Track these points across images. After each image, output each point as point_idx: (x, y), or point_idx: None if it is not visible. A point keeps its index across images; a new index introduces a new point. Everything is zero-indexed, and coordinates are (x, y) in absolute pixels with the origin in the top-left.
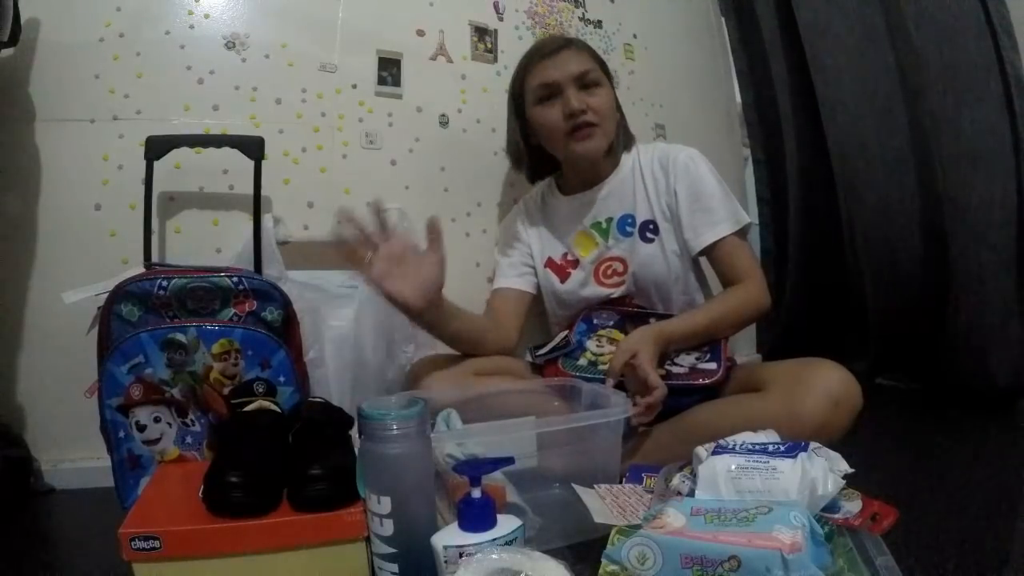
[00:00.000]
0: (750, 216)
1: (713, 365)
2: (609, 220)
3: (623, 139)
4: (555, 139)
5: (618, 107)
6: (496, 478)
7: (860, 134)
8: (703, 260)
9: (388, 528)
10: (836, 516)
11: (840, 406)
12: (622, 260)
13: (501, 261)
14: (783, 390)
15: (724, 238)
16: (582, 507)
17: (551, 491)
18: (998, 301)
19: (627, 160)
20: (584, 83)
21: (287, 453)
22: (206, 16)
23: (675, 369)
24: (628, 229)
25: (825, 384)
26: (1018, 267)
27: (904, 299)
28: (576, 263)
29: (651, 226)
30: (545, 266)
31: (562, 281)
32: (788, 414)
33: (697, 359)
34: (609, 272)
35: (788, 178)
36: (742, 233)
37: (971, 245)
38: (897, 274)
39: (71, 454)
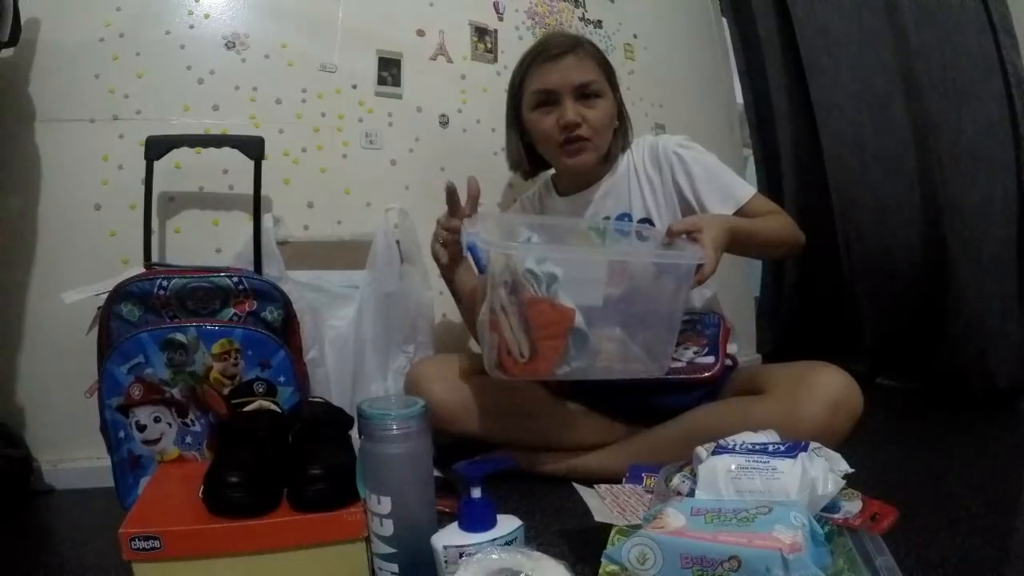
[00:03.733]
0: None
1: (711, 359)
2: (606, 220)
3: (622, 144)
4: (546, 147)
5: (621, 113)
6: (567, 302)
7: (857, 134)
8: None
9: (388, 528)
10: (836, 516)
11: (841, 411)
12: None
13: None
14: (784, 394)
15: (755, 196)
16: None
17: (612, 330)
18: (998, 301)
19: (623, 159)
20: (584, 93)
21: (287, 453)
22: (206, 16)
23: (673, 364)
24: (625, 228)
25: (826, 389)
26: (1018, 267)
27: (902, 299)
28: None
29: (647, 223)
30: None
31: None
32: (788, 418)
33: (695, 353)
34: None
35: (785, 178)
36: None
37: (971, 245)
38: (895, 274)
39: (71, 454)
